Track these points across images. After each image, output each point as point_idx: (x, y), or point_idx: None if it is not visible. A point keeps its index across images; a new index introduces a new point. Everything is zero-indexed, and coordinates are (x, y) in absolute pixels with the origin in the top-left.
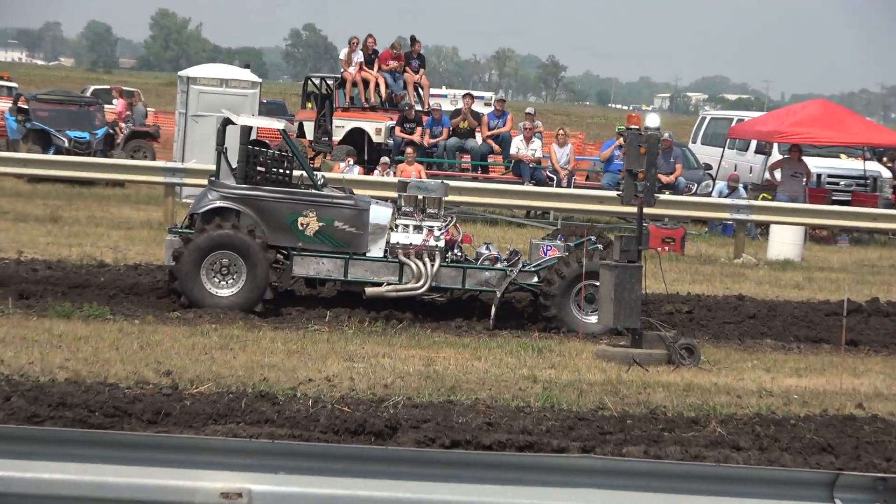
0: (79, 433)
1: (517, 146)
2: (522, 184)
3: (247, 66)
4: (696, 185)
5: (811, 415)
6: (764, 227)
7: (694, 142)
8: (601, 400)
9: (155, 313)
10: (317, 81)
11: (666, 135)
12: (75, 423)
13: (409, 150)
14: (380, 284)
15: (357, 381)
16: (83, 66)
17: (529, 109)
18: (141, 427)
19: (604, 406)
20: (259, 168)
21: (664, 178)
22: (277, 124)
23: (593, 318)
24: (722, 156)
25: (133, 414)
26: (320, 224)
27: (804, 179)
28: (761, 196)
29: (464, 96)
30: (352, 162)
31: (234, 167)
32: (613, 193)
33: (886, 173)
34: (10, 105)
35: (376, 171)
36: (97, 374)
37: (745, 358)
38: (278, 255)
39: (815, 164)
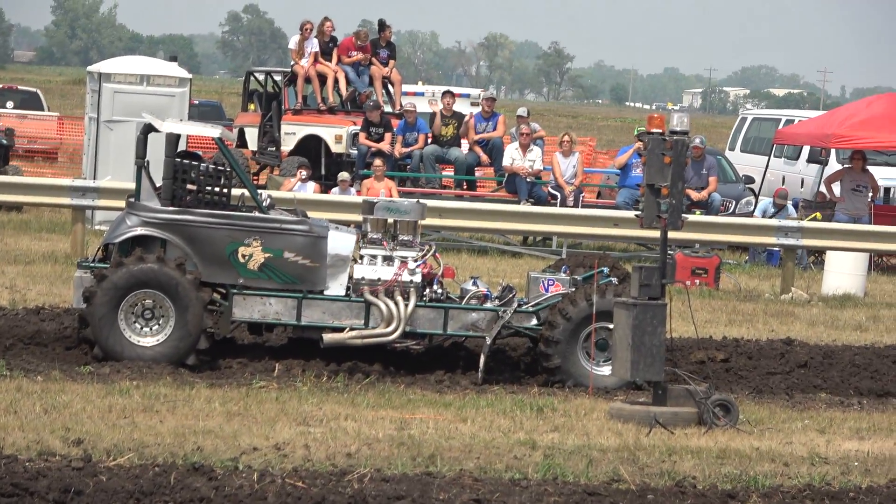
0: None
1: (511, 156)
2: (518, 203)
3: (173, 59)
4: (734, 203)
5: (876, 486)
6: (818, 255)
7: (732, 149)
8: (616, 470)
9: (62, 368)
10: (261, 77)
11: (697, 140)
12: None
13: (377, 161)
14: (342, 330)
15: (313, 449)
16: None
17: (521, 111)
18: None
19: (619, 478)
20: (190, 186)
21: (694, 195)
22: (212, 132)
23: (606, 370)
24: (767, 166)
25: (36, 493)
26: (266, 255)
27: (869, 195)
28: (814, 216)
29: (443, 95)
30: (304, 176)
31: (158, 185)
32: (631, 214)
33: None
34: None
35: (335, 190)
36: None
37: (793, 417)
38: (215, 295)
39: (882, 175)
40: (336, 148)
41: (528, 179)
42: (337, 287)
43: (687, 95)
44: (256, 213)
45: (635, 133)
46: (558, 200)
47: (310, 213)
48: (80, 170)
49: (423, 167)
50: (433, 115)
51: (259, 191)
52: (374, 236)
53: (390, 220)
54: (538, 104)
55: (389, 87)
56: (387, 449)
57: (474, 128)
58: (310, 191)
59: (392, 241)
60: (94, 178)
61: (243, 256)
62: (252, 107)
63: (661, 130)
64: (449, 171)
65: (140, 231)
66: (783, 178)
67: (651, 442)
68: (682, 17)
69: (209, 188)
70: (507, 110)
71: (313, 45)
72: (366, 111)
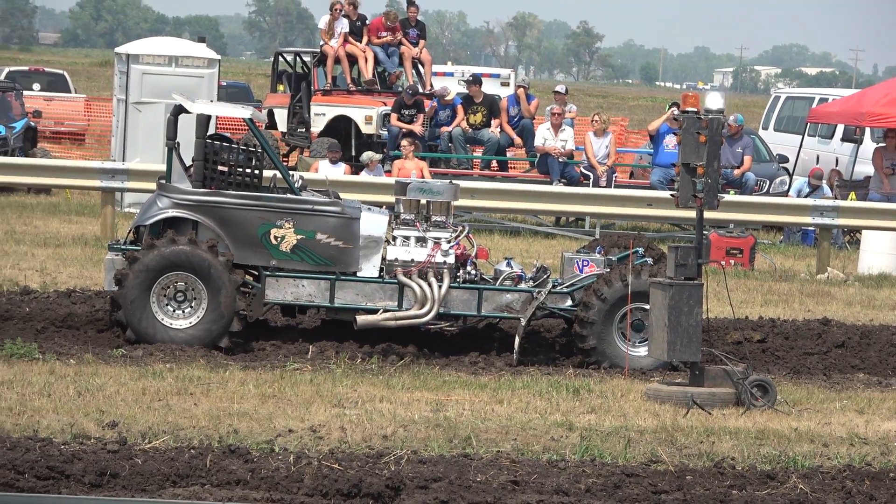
0: (5, 498)
1: (543, 136)
2: (551, 183)
3: (202, 40)
4: (768, 183)
5: None
6: (853, 234)
7: (765, 128)
8: (654, 451)
9: (94, 351)
10: (290, 58)
11: (732, 119)
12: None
13: (404, 142)
14: (375, 312)
15: (349, 431)
16: None
17: (560, 87)
18: (82, 491)
19: (657, 459)
20: (220, 168)
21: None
22: (242, 112)
23: (642, 350)
24: (801, 145)
25: (72, 475)
26: (298, 237)
27: None
28: (851, 196)
29: (468, 81)
30: (334, 158)
31: (188, 167)
32: (665, 194)
33: None
34: None
35: (364, 171)
36: (25, 426)
37: (832, 397)
38: (247, 277)
39: None
40: (366, 129)
41: (560, 160)
42: (370, 269)
43: (717, 75)
44: (288, 195)
45: (668, 107)
46: (591, 181)
47: (342, 195)
48: (107, 152)
49: (453, 148)
50: (466, 95)
51: (291, 172)
52: (407, 217)
53: (423, 201)
54: (568, 84)
55: (420, 67)
56: (423, 431)
57: (507, 110)
58: (340, 172)
59: (425, 222)
60: (124, 160)
61: (275, 238)
62: (281, 88)
63: (696, 109)
64: (480, 153)
65: (172, 213)
66: (817, 158)
67: (689, 423)
68: None
69: (240, 169)
70: (538, 90)
71: (343, 26)
72: (403, 96)
